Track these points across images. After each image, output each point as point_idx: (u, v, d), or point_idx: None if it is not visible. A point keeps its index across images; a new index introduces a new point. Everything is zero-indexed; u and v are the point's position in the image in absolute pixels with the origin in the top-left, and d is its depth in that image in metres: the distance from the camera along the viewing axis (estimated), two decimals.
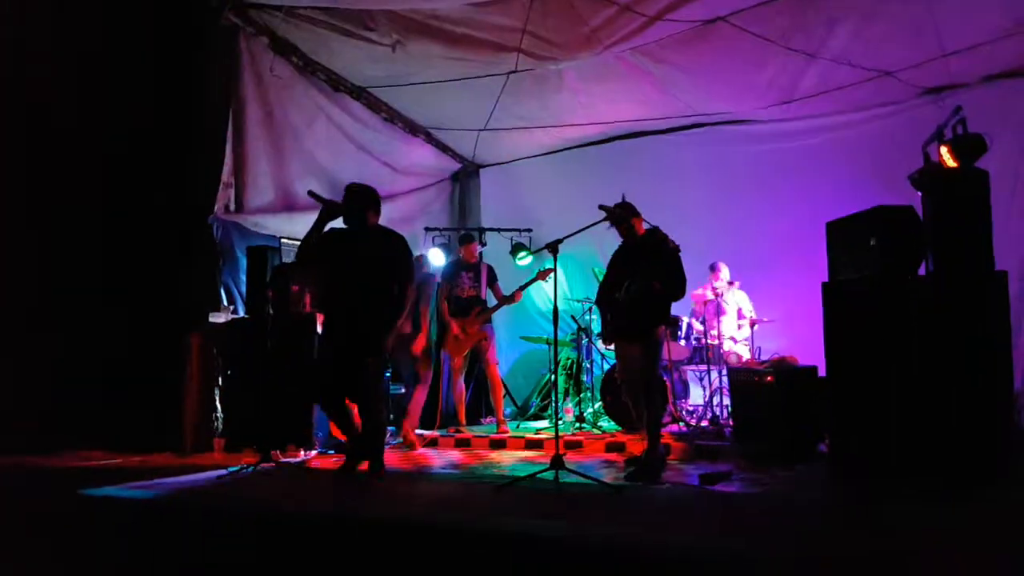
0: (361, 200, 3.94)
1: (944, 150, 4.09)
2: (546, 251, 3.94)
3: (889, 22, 4.95)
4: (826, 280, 4.14)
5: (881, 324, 3.76)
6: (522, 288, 5.78)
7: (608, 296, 4.36)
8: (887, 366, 3.70)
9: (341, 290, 3.94)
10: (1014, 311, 5.03)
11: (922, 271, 3.89)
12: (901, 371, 3.64)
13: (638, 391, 4.20)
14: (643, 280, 4.02)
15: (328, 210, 3.93)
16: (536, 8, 4.75)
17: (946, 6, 4.79)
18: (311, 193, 4.10)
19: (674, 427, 5.43)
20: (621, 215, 4.24)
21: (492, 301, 5.89)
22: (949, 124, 4.16)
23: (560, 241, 3.85)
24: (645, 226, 4.38)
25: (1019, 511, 3.02)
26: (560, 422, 6.12)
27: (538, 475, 3.74)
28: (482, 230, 7.59)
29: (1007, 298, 3.66)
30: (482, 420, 6.54)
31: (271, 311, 4.69)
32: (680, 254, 4.18)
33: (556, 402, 4.78)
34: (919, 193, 3.98)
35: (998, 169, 4.60)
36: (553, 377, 6.89)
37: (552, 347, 6.89)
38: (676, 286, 4.10)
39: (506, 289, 5.90)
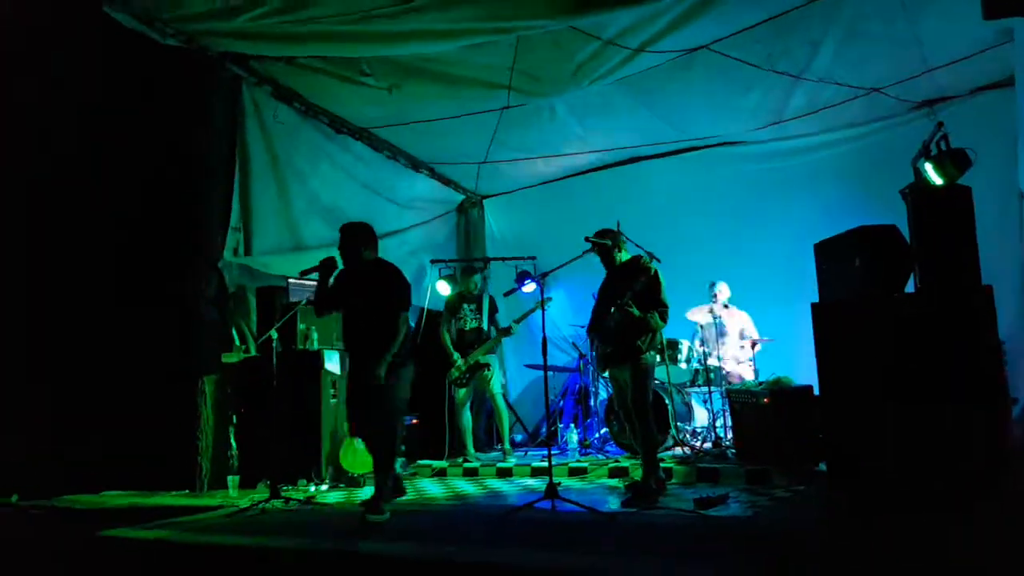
0: (350, 238, 4.11)
1: (928, 166, 4.12)
2: (536, 282, 4.04)
3: (871, 41, 5.00)
4: (818, 300, 4.18)
5: (868, 342, 3.79)
6: (517, 321, 5.89)
7: (598, 323, 4.43)
8: (876, 383, 3.72)
9: (347, 327, 4.13)
10: (1018, 325, 5.01)
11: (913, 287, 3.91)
12: (889, 388, 3.65)
13: (632, 417, 4.24)
14: (621, 305, 4.02)
15: (324, 267, 4.17)
16: (522, 48, 4.90)
17: (928, 22, 4.80)
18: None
19: (677, 450, 5.44)
20: (609, 245, 4.30)
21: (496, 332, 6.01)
22: (933, 140, 4.19)
23: (547, 274, 3.96)
24: (632, 251, 4.45)
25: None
26: (565, 448, 6.21)
27: (535, 504, 3.82)
28: (487, 260, 7.71)
29: (994, 311, 3.65)
30: (496, 447, 6.61)
31: (279, 349, 4.86)
32: (662, 280, 4.20)
33: (548, 429, 4.84)
34: None
35: (989, 180, 4.59)
36: (557, 405, 6.95)
37: (557, 373, 7.00)
38: (659, 312, 4.12)
39: (503, 321, 6.03)
